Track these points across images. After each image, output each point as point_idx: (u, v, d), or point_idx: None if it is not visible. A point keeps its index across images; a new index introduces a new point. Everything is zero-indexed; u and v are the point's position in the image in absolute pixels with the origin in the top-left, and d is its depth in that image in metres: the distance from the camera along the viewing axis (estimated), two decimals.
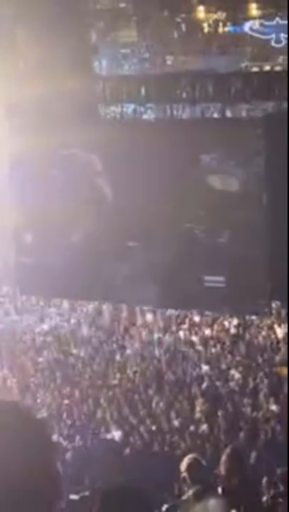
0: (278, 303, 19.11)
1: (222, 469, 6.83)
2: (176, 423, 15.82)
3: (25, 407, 1.89)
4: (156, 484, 10.86)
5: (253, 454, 13.41)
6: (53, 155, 18.86)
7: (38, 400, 17.74)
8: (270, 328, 18.85)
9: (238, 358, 17.82)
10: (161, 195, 18.17)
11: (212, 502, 5.83)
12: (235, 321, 19.32)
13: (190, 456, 6.99)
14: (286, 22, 21.22)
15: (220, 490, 6.45)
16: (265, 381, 16.43)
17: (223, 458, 6.69)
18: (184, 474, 6.32)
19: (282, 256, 16.55)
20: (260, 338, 18.55)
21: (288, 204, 16.24)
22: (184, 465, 6.67)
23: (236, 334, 18.98)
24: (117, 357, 19.08)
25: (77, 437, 16.06)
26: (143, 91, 20.39)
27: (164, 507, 5.94)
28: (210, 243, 17.99)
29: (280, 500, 8.32)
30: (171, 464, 9.02)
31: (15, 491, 1.68)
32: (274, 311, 19.12)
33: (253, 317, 19.22)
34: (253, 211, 17.47)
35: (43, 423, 1.82)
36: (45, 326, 21.12)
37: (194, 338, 19.17)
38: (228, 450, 6.82)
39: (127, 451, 15.03)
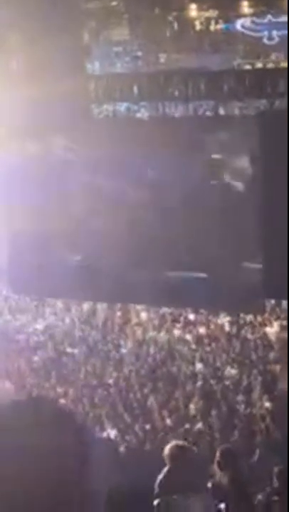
0: (272, 301, 19.17)
1: (215, 467, 6.89)
2: (170, 421, 15.84)
3: (65, 407, 1.85)
4: (152, 483, 10.85)
5: (248, 452, 13.44)
6: (45, 155, 18.86)
7: None
8: (264, 325, 18.89)
9: (232, 356, 17.85)
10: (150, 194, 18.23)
11: (202, 501, 5.84)
12: (229, 319, 19.35)
13: (174, 443, 6.97)
14: (278, 19, 21.25)
15: (211, 487, 6.50)
16: (259, 378, 16.46)
17: (216, 456, 6.74)
18: (169, 464, 6.30)
19: (278, 254, 16.57)
20: (254, 336, 18.59)
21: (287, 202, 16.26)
22: (166, 453, 6.66)
23: (230, 332, 19.01)
24: (112, 356, 19.09)
25: None
26: (136, 89, 20.41)
27: (156, 501, 5.93)
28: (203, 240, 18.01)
29: (275, 498, 8.35)
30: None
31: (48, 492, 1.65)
32: (268, 309, 19.16)
33: (248, 315, 19.26)
34: (248, 209, 17.50)
35: (82, 424, 1.78)
36: (40, 326, 21.11)
37: (188, 337, 19.19)
38: (220, 448, 6.87)
39: (122, 449, 15.05)
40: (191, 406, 16.09)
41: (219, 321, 19.42)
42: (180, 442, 6.94)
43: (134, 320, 20.40)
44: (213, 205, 17.92)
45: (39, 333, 20.73)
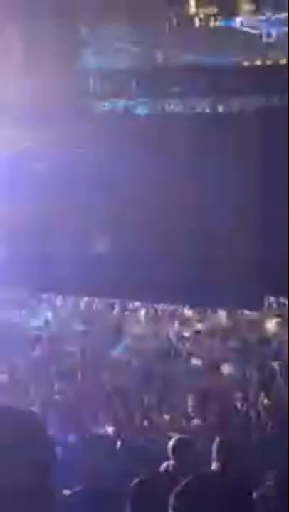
0: (271, 297, 19.15)
1: (212, 462, 6.84)
2: (168, 417, 15.83)
3: (39, 419, 1.82)
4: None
5: (245, 447, 13.40)
6: (35, 150, 18.80)
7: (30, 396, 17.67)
8: (262, 321, 18.88)
9: (229, 352, 17.84)
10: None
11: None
12: (226, 315, 19.34)
13: (177, 437, 6.91)
14: (277, 17, 21.21)
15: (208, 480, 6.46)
16: (257, 375, 16.45)
17: (213, 450, 6.69)
18: (171, 460, 6.24)
19: (276, 250, 16.56)
20: (252, 332, 18.58)
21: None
22: (170, 447, 6.57)
23: (228, 328, 19.00)
24: (109, 352, 19.07)
25: (69, 432, 16.01)
26: (134, 86, 20.38)
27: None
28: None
29: (271, 494, 8.31)
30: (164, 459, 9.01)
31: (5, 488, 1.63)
32: (267, 305, 19.17)
33: (246, 311, 19.26)
34: (247, 205, 17.50)
35: (48, 438, 1.75)
36: (36, 321, 21.06)
37: (186, 333, 19.19)
38: (216, 442, 6.82)
39: (119, 445, 15.01)
40: (189, 403, 16.06)
41: (217, 317, 19.41)
42: (184, 436, 6.88)
43: (131, 316, 20.38)
44: (210, 202, 17.90)
45: (36, 328, 20.69)
